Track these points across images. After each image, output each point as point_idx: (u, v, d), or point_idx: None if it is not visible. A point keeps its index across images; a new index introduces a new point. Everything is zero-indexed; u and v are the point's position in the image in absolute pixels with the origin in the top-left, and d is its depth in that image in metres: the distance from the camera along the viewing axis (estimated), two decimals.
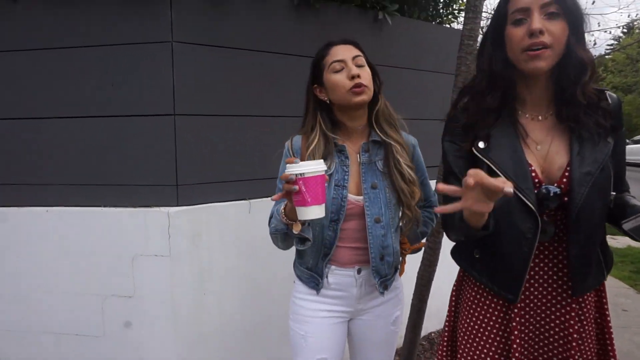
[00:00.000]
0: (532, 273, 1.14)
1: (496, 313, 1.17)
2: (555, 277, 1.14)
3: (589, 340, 1.15)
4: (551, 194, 1.06)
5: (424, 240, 1.52)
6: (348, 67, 1.31)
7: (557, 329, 1.14)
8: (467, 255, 1.23)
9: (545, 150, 1.12)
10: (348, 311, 1.42)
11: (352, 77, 1.29)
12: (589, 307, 1.16)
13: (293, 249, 1.45)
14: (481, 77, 1.15)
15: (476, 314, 1.20)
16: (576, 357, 1.11)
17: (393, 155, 1.36)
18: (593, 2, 7.21)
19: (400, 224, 1.43)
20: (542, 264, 1.14)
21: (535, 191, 1.08)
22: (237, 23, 2.12)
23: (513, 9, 1.05)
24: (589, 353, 1.14)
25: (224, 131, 2.11)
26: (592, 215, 1.07)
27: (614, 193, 1.13)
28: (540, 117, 1.15)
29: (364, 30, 2.55)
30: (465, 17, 1.73)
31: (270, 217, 1.38)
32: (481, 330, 1.19)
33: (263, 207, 1.57)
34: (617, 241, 5.66)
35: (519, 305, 1.14)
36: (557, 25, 1.02)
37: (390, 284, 1.43)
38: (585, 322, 1.14)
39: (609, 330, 1.19)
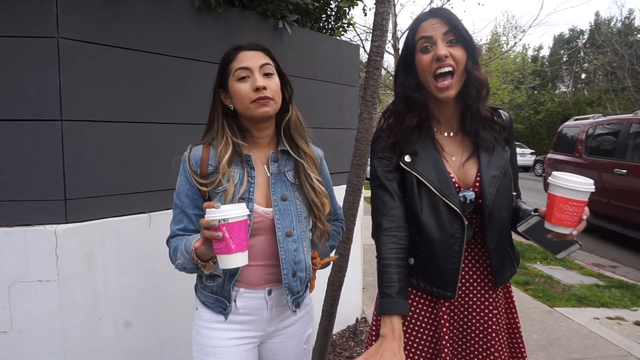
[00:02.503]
0: (462, 270, 1.26)
1: (425, 309, 1.29)
2: (478, 272, 1.28)
3: (502, 330, 1.29)
4: (467, 200, 1.22)
5: (333, 254, 1.47)
6: (254, 76, 1.21)
7: (481, 321, 1.27)
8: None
9: (459, 162, 1.27)
10: (259, 335, 1.33)
11: (257, 89, 1.20)
12: (500, 299, 1.31)
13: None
14: (398, 101, 1.29)
15: (409, 318, 1.30)
16: (496, 346, 1.25)
17: (303, 167, 1.30)
18: None
19: (312, 237, 1.37)
20: (466, 261, 1.28)
21: (458, 196, 1.22)
22: (134, 22, 1.95)
23: (419, 36, 1.19)
24: (502, 341, 1.28)
25: (119, 139, 1.93)
26: (501, 213, 1.23)
27: (515, 193, 1.32)
28: (451, 133, 1.30)
29: (264, 38, 2.54)
30: (372, 35, 1.82)
31: (174, 251, 1.24)
32: (415, 328, 1.29)
33: (165, 220, 1.44)
34: None
35: (447, 302, 1.26)
36: (457, 51, 1.17)
37: (302, 302, 1.35)
38: (498, 313, 1.28)
39: (517, 319, 1.36)
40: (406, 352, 1.26)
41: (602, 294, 3.95)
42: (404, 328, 1.29)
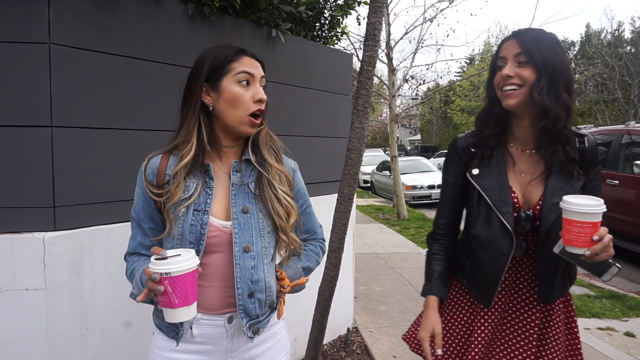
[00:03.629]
0: (504, 281, 1.37)
1: (466, 307, 1.43)
2: (521, 287, 1.37)
3: (559, 342, 1.36)
4: (524, 220, 1.28)
5: (306, 277, 1.35)
6: (255, 86, 1.15)
7: (519, 332, 1.37)
8: (458, 263, 1.47)
9: (528, 179, 1.33)
10: None
11: (259, 101, 1.14)
12: (557, 313, 1.38)
13: None
14: (484, 111, 1.40)
15: (450, 310, 1.46)
16: (532, 357, 1.34)
17: (266, 177, 1.19)
18: (447, 36, 8.21)
19: (277, 255, 1.27)
20: (513, 276, 1.37)
21: (515, 214, 1.29)
22: (127, 29, 1.95)
23: (497, 56, 1.31)
24: (557, 353, 1.35)
25: (110, 146, 1.91)
26: (556, 237, 1.23)
27: None
28: (527, 150, 1.35)
29: (258, 46, 2.55)
30: (364, 45, 1.83)
31: (130, 275, 1.18)
32: (452, 320, 1.45)
33: None
34: None
35: (485, 309, 1.38)
36: (526, 71, 1.24)
37: (264, 328, 1.22)
38: (553, 327, 1.36)
39: (576, 331, 1.42)
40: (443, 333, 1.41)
41: (593, 304, 3.97)
42: (444, 314, 1.45)
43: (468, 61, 24.56)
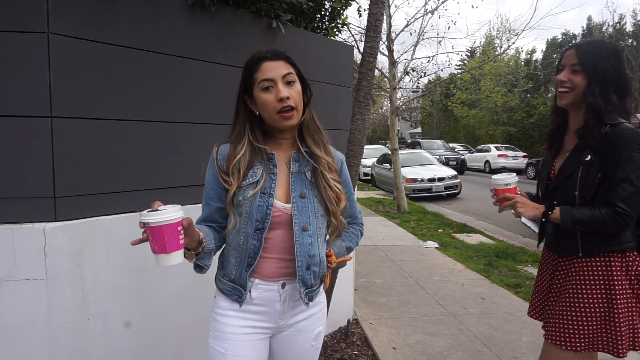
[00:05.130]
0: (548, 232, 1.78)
1: (547, 266, 1.80)
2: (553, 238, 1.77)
3: (577, 302, 1.63)
4: (551, 185, 1.73)
5: (349, 255, 1.55)
6: (277, 87, 1.27)
7: (555, 277, 1.78)
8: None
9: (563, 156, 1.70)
10: (271, 327, 1.39)
11: (281, 100, 1.26)
12: (586, 276, 1.66)
13: (215, 263, 1.38)
14: (553, 104, 1.75)
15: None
16: (558, 310, 1.66)
17: (320, 169, 1.37)
18: (449, 28, 8.17)
19: (327, 234, 1.44)
20: (549, 227, 1.79)
21: (547, 183, 1.73)
22: (126, 19, 1.94)
23: (560, 63, 1.64)
24: (573, 309, 1.63)
25: (110, 136, 1.91)
26: (558, 202, 1.66)
27: (577, 192, 1.62)
28: (572, 135, 1.67)
29: (258, 37, 2.53)
30: (366, 36, 1.82)
31: None
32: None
33: None
34: (471, 238, 6.49)
35: (544, 251, 1.82)
36: (578, 78, 1.56)
37: (316, 296, 1.42)
38: (580, 286, 1.64)
39: (617, 301, 1.58)
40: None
41: None
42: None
43: (469, 54, 24.44)
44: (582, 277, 1.60)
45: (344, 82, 3.21)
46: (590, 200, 1.57)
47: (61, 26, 1.73)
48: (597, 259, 1.58)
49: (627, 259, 1.56)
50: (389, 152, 11.49)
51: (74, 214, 1.80)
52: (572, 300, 1.60)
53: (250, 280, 1.34)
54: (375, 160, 14.90)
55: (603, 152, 1.53)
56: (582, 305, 1.58)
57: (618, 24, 21.56)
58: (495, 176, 1.73)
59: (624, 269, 1.56)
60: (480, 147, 22.91)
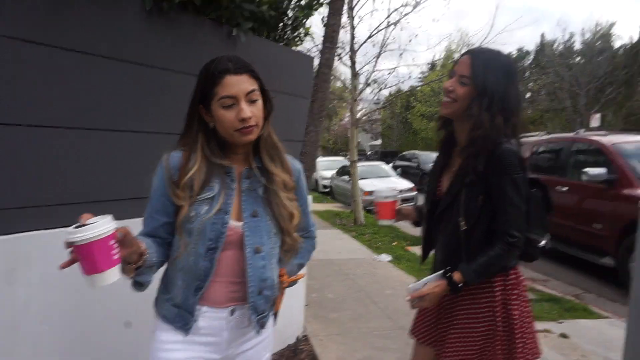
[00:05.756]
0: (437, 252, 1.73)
1: None
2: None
3: (477, 326, 1.56)
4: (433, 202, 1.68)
5: (301, 272, 1.50)
6: (239, 106, 1.18)
7: (449, 307, 1.67)
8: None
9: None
10: (217, 358, 1.30)
11: (243, 120, 1.18)
12: (483, 297, 1.61)
13: (153, 285, 1.29)
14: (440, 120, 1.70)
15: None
16: (452, 337, 1.58)
17: (273, 187, 1.29)
18: (410, 41, 8.36)
19: (280, 254, 1.37)
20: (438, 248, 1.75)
21: (432, 199, 1.67)
22: (78, 22, 1.85)
23: (453, 68, 1.56)
24: (471, 335, 1.56)
25: (51, 145, 1.82)
26: (442, 227, 1.63)
27: (461, 218, 1.54)
28: (459, 150, 1.61)
29: (218, 45, 2.49)
30: (322, 47, 1.82)
31: None
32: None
33: None
34: None
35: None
36: (462, 90, 1.50)
37: (267, 322, 1.34)
38: (477, 311, 1.59)
39: (514, 320, 1.55)
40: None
41: (534, 307, 4.12)
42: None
43: (430, 66, 25.14)
44: (468, 305, 1.55)
45: (303, 93, 3.20)
46: (474, 224, 1.49)
47: (5, 27, 1.63)
48: (482, 284, 1.52)
49: (510, 277, 1.54)
50: (348, 164, 11.59)
51: (8, 228, 1.69)
52: (462, 328, 1.55)
53: (197, 308, 1.24)
54: (335, 172, 14.96)
55: (485, 174, 1.47)
56: (473, 332, 1.53)
57: (568, 42, 22.78)
58: (376, 189, 1.71)
59: (508, 288, 1.53)
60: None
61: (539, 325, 3.69)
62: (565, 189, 6.46)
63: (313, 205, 10.89)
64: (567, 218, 6.26)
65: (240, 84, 1.18)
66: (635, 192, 4.86)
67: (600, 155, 6.11)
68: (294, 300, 3.16)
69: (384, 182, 11.98)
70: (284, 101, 3.02)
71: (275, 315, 1.41)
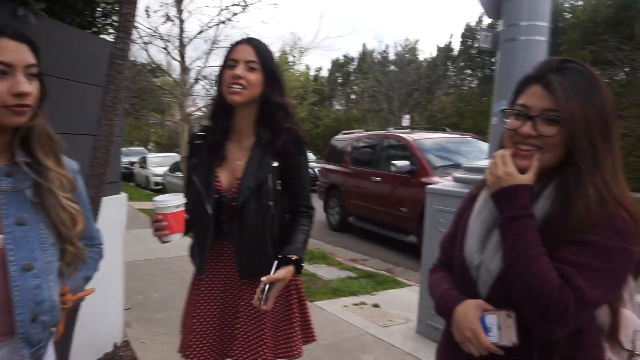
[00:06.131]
0: (216, 256, 1.57)
1: (195, 288, 1.64)
2: (231, 262, 1.56)
3: (267, 314, 1.55)
4: (224, 201, 1.50)
5: (89, 287, 1.27)
6: (15, 77, 0.98)
7: (232, 303, 1.58)
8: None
9: (241, 166, 1.52)
10: None
11: (19, 94, 0.98)
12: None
13: None
14: (213, 105, 1.57)
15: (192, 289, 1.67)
16: (244, 327, 1.52)
17: (48, 185, 1.06)
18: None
19: (62, 267, 1.13)
20: (223, 250, 1.56)
21: (217, 196, 1.50)
22: None
23: (229, 57, 1.48)
24: (263, 323, 1.53)
25: None
26: (249, 217, 1.49)
27: (272, 203, 1.53)
28: (241, 141, 1.55)
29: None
30: (116, 37, 1.74)
31: None
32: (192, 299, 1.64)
33: None
34: None
35: (205, 279, 1.58)
36: (254, 76, 1.46)
37: (45, 354, 1.10)
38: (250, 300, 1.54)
39: (293, 309, 1.62)
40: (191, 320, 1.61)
41: (352, 284, 4.64)
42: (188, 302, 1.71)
43: None
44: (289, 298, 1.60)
45: (99, 82, 2.96)
46: (278, 207, 1.54)
47: None
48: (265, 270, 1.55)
49: None
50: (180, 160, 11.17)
51: None
52: (252, 319, 1.54)
53: None
54: (167, 168, 14.29)
55: (285, 157, 1.53)
56: (264, 319, 1.54)
57: (384, 52, 25.72)
58: (157, 198, 1.40)
59: None
60: None
61: (356, 300, 4.20)
62: (379, 179, 7.35)
63: (144, 204, 10.17)
64: (381, 204, 7.19)
65: (19, 52, 0.99)
66: (430, 180, 5.76)
67: (405, 149, 7.11)
68: (109, 305, 2.94)
69: None
70: (88, 92, 2.77)
71: (70, 336, 1.21)
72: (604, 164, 0.99)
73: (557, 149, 1.00)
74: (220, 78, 1.52)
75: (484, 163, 3.01)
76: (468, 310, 1.05)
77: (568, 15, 18.46)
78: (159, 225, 1.37)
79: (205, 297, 1.59)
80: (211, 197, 1.49)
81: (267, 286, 1.38)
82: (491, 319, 1.01)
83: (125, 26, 1.73)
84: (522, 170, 1.02)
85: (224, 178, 1.53)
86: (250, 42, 1.51)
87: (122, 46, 1.74)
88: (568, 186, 0.99)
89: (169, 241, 1.40)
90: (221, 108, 1.54)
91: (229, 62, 1.48)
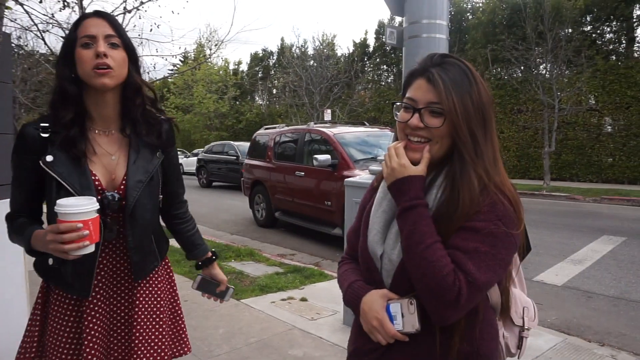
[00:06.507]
0: (100, 268, 1.35)
1: (69, 313, 1.34)
2: (121, 267, 1.40)
3: (163, 313, 1.48)
4: (112, 200, 1.29)
5: None
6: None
7: (125, 312, 1.42)
8: (42, 265, 1.33)
9: (116, 161, 1.35)
10: None
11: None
12: (160, 286, 1.50)
13: None
14: (57, 93, 1.30)
15: (53, 320, 1.35)
16: (138, 336, 1.39)
17: None
18: (151, 30, 8.00)
19: None
20: (108, 258, 1.37)
21: (99, 197, 1.27)
22: None
23: (82, 34, 1.27)
24: (149, 330, 1.43)
25: None
26: (144, 214, 1.37)
27: (161, 196, 1.48)
28: (109, 132, 1.37)
29: None
30: None
31: None
32: (56, 332, 1.34)
33: None
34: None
35: (89, 299, 1.34)
36: (118, 54, 1.29)
37: None
38: (158, 300, 1.48)
39: (179, 304, 1.61)
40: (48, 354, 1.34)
41: (280, 280, 4.62)
42: (51, 335, 1.34)
43: (182, 60, 24.67)
44: (150, 290, 1.47)
45: (2, 77, 2.68)
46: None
47: None
48: (164, 262, 1.56)
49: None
50: None
51: None
52: (150, 316, 1.45)
53: None
54: None
55: (166, 146, 1.46)
56: (161, 315, 1.48)
57: (303, 47, 25.80)
58: (64, 201, 1.14)
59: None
60: (195, 151, 23.49)
61: (284, 295, 4.19)
62: (302, 173, 7.39)
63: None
64: (306, 198, 7.24)
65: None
66: (352, 173, 5.89)
67: (326, 144, 7.21)
68: (13, 318, 2.66)
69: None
70: None
71: None
72: (485, 154, 1.04)
73: (444, 140, 1.06)
74: (69, 59, 1.27)
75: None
76: (373, 300, 1.08)
77: (471, 17, 19.77)
78: (80, 235, 1.11)
79: (92, 321, 1.34)
80: (97, 198, 1.23)
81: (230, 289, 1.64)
82: (395, 307, 1.05)
83: None
84: (415, 162, 1.06)
85: (101, 176, 1.31)
86: (101, 14, 1.31)
87: None
88: (454, 175, 1.04)
89: (85, 253, 1.15)
90: (66, 96, 1.28)
91: (83, 40, 1.25)
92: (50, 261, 1.30)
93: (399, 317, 1.04)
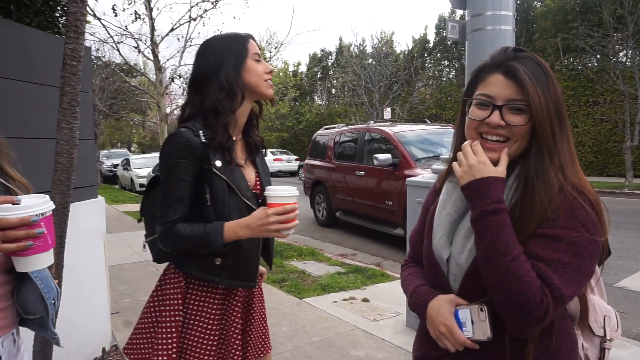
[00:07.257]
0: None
1: (215, 307, 1.43)
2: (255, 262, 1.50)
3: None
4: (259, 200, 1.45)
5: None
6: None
7: (258, 305, 1.58)
8: (207, 266, 1.38)
9: (244, 165, 1.46)
10: None
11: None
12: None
13: None
14: (225, 98, 1.37)
15: (198, 317, 1.42)
16: (255, 325, 1.56)
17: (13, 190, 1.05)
18: None
19: None
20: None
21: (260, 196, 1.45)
22: None
23: (254, 51, 1.42)
24: (265, 319, 1.63)
25: None
26: None
27: None
28: (238, 139, 1.47)
29: None
30: (66, 37, 1.67)
31: None
32: (202, 329, 1.42)
33: None
34: None
35: (240, 292, 1.47)
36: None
37: None
38: (262, 295, 1.66)
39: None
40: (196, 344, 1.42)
41: (341, 280, 4.63)
42: (200, 325, 1.43)
43: None
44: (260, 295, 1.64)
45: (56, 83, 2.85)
46: None
47: None
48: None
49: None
50: None
51: None
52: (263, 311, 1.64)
53: None
54: (151, 169, 14.10)
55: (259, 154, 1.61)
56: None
57: (361, 45, 25.70)
58: (270, 187, 1.37)
59: None
60: None
61: (346, 295, 4.19)
62: (362, 173, 7.34)
63: (129, 206, 9.97)
64: (366, 198, 7.19)
65: None
66: (413, 172, 5.77)
67: (386, 142, 7.11)
68: (96, 310, 2.87)
69: None
70: (54, 94, 2.67)
71: None
72: (562, 152, 0.98)
73: (524, 139, 0.99)
74: (240, 69, 1.38)
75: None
76: (441, 305, 1.03)
77: (539, 5, 18.65)
78: (296, 214, 1.32)
79: (238, 310, 1.47)
80: (253, 199, 1.42)
81: None
82: (464, 314, 1.00)
83: (75, 25, 1.66)
84: (492, 163, 0.99)
85: (248, 178, 1.46)
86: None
87: (75, 47, 1.66)
88: (528, 175, 0.97)
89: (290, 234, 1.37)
90: (235, 100, 1.39)
91: (253, 57, 1.41)
92: (218, 261, 1.37)
93: (469, 323, 0.99)
